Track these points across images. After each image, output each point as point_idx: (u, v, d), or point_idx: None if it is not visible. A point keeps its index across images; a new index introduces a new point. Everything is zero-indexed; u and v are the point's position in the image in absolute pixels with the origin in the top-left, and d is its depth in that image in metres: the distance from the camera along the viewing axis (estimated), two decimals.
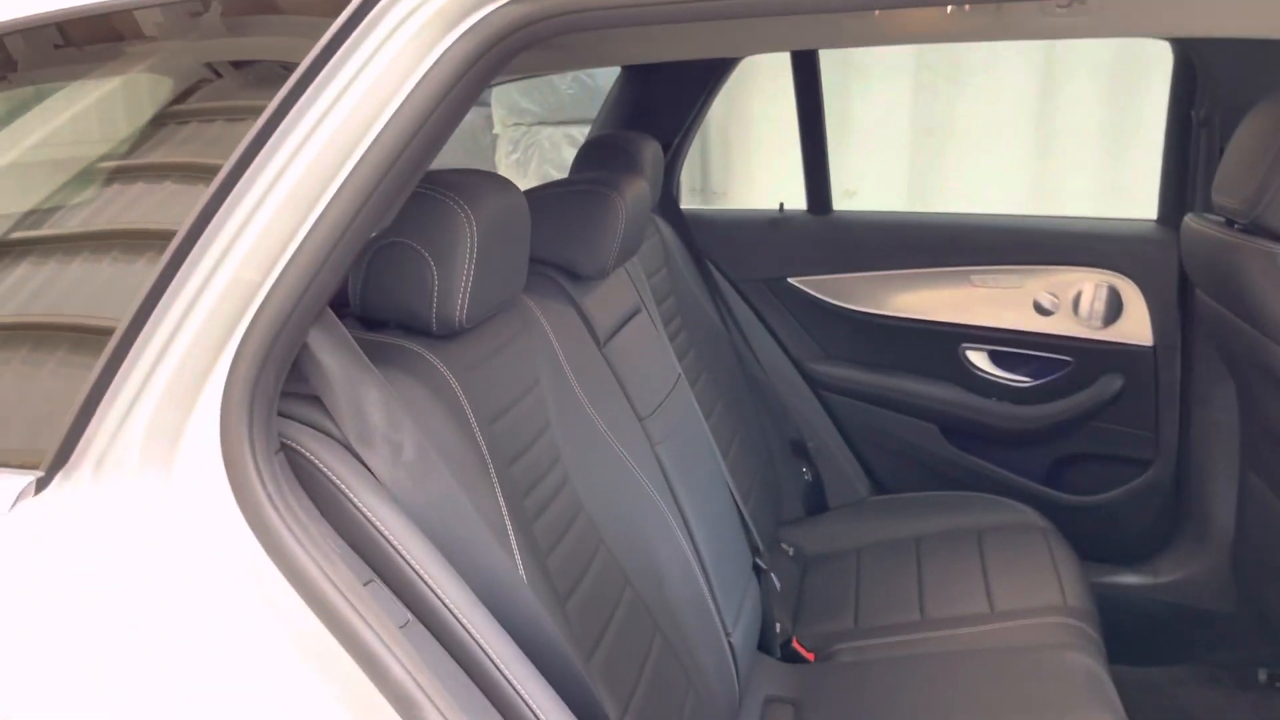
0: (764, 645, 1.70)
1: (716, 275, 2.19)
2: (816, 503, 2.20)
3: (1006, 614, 1.70)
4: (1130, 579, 2.19)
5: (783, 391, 2.18)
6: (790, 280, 2.24)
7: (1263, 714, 2.02)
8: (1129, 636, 2.10)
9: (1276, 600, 1.90)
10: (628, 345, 1.48)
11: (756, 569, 1.68)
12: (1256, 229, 1.52)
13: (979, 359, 2.19)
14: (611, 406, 1.35)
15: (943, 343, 2.19)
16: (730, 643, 1.43)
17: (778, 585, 1.71)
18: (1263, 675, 2.08)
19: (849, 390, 2.24)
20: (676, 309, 1.95)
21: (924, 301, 2.18)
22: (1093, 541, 2.19)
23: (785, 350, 2.26)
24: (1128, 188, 3.45)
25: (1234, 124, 1.64)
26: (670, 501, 1.39)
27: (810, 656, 1.72)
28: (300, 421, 0.87)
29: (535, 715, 0.82)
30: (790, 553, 2.08)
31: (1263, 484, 1.88)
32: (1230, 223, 1.62)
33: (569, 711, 0.87)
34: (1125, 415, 2.11)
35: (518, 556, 1.02)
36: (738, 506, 1.67)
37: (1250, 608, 2.06)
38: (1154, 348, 2.05)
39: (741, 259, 2.25)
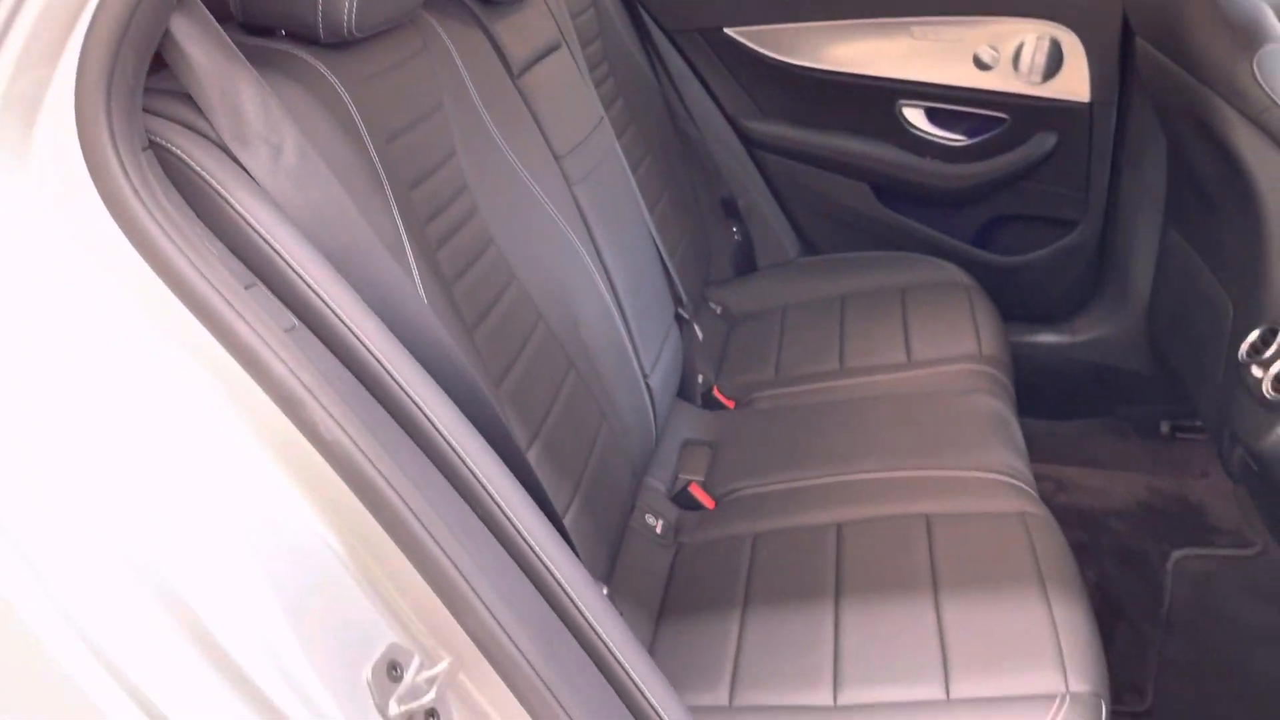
0: (684, 393, 1.72)
1: (649, 22, 2.09)
2: (746, 263, 2.20)
3: (923, 362, 1.73)
4: (1049, 337, 2.24)
5: (715, 149, 2.13)
6: (726, 31, 2.14)
7: (1161, 460, 2.13)
8: (1043, 392, 2.18)
9: (1183, 356, 1.96)
10: (545, 80, 1.41)
11: (679, 319, 1.68)
12: None
13: (915, 116, 2.14)
14: (524, 141, 1.30)
15: (880, 99, 2.13)
16: (648, 384, 1.45)
17: (699, 335, 1.72)
18: (1165, 427, 2.18)
19: (783, 148, 2.19)
20: (603, 55, 1.86)
21: (863, 55, 2.11)
22: (1017, 301, 2.23)
23: (719, 106, 2.19)
24: None
25: None
26: (587, 242, 1.37)
27: (730, 404, 1.75)
28: (169, 119, 0.81)
29: (428, 418, 0.81)
30: (718, 311, 2.09)
31: (1182, 239, 1.90)
32: None
33: (469, 423, 0.87)
34: (1056, 174, 2.10)
35: (417, 278, 0.99)
36: (662, 259, 1.65)
37: (1160, 365, 2.13)
38: (1090, 104, 2.02)
39: (675, 6, 2.14)
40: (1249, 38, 1.42)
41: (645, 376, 1.44)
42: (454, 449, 0.82)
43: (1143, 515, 1.80)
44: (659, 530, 1.41)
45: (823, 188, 2.22)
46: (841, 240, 2.27)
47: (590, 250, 1.37)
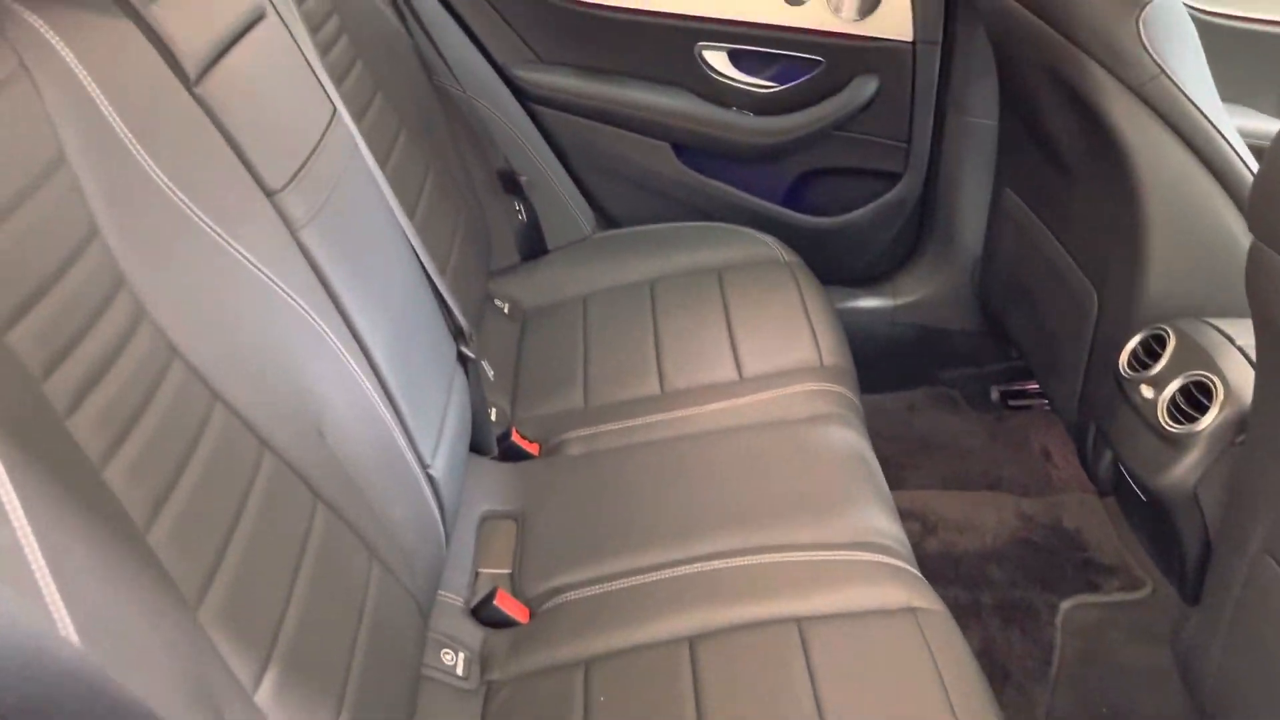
0: (478, 444, 1.38)
1: None
2: (534, 245, 1.84)
3: (758, 380, 1.46)
4: (872, 301, 2.03)
5: (484, 109, 1.73)
6: None
7: (995, 434, 1.98)
8: (867, 362, 1.97)
9: (1016, 319, 1.79)
10: (242, 77, 0.98)
11: (463, 360, 1.32)
12: None
13: (717, 60, 1.82)
14: (212, 182, 0.88)
15: (676, 41, 1.79)
16: (431, 478, 1.09)
17: (490, 373, 1.36)
18: (995, 394, 2.03)
19: (566, 103, 1.82)
20: (332, 5, 1.42)
21: None
22: (835, 264, 1.99)
23: (487, 55, 1.78)
24: None
25: None
26: (329, 310, 0.98)
27: (534, 450, 1.42)
28: None
29: None
30: (505, 310, 1.73)
31: (1017, 198, 1.70)
32: None
33: None
34: (876, 124, 1.85)
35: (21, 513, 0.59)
36: (432, 285, 1.27)
37: (989, 326, 1.96)
38: (913, 44, 1.76)
39: None
40: None
41: (426, 469, 1.09)
42: None
43: (1020, 557, 1.63)
44: (459, 670, 1.08)
45: (615, 148, 1.87)
46: (643, 210, 1.94)
47: (334, 320, 0.98)
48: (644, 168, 1.89)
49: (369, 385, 1.00)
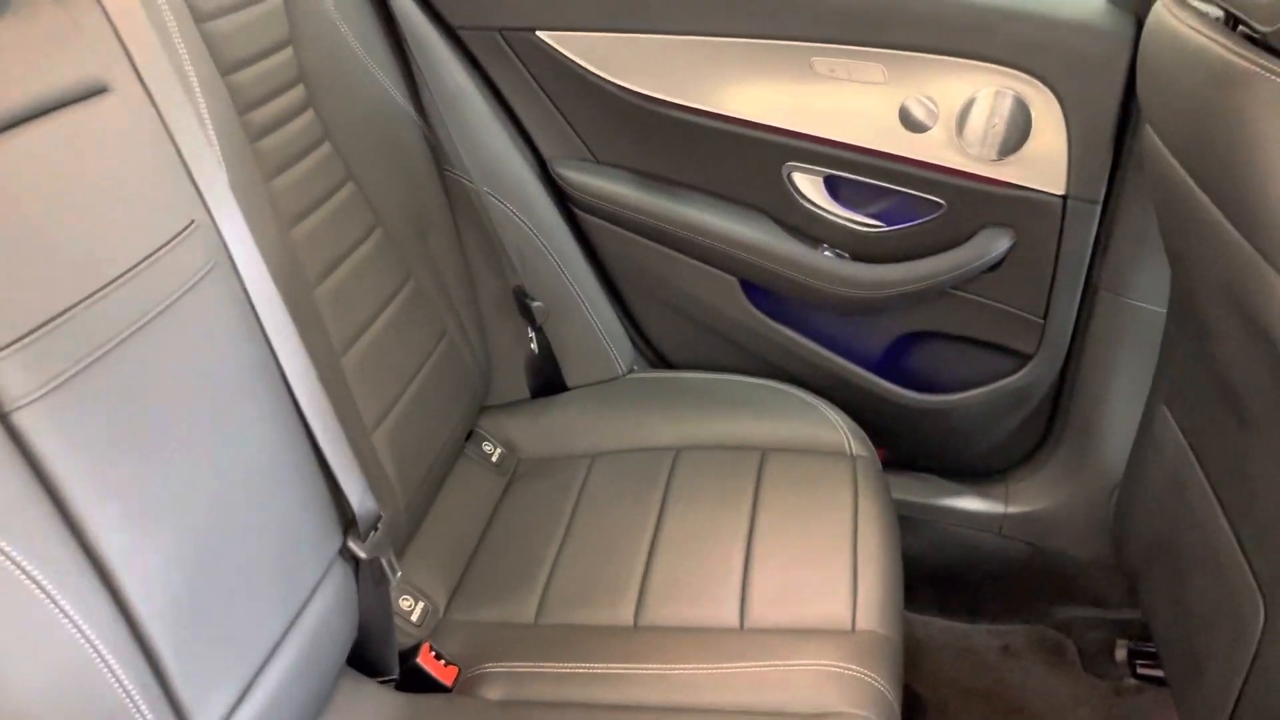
0: (371, 664, 1.05)
1: (413, 17, 1.35)
2: (550, 380, 1.51)
3: (761, 636, 1.07)
4: (976, 503, 1.60)
5: (507, 212, 1.42)
6: (541, 35, 1.42)
7: (1112, 711, 1.51)
8: (959, 580, 1.54)
9: (1153, 586, 1.33)
10: (16, 169, 0.70)
11: (353, 559, 0.99)
12: None
13: (809, 186, 1.46)
14: None
15: (760, 156, 1.44)
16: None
17: (394, 574, 1.03)
18: (1121, 652, 1.55)
19: (616, 214, 1.50)
20: (298, 73, 1.14)
21: (738, 89, 1.41)
22: (938, 452, 1.59)
23: (532, 145, 1.48)
24: None
25: None
26: (33, 523, 0.67)
27: (448, 679, 1.08)
28: None
29: None
30: (494, 456, 1.40)
31: (1175, 429, 1.25)
32: (1233, 22, 0.89)
33: None
34: (1006, 290, 1.44)
35: None
36: (321, 457, 0.95)
37: (1122, 564, 1.50)
38: (1065, 198, 1.35)
39: None
40: None
41: None
42: None
43: None
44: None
45: (671, 275, 1.53)
46: (696, 351, 1.59)
47: (43, 542, 0.67)
48: (704, 303, 1.54)
49: (95, 639, 0.68)
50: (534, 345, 1.44)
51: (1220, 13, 0.93)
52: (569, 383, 1.50)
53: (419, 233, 1.28)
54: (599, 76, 1.43)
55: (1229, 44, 0.84)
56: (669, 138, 1.46)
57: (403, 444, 1.18)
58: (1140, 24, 1.25)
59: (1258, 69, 0.79)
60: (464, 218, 1.39)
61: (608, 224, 1.51)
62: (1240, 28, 0.88)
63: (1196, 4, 0.99)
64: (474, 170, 1.37)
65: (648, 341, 1.61)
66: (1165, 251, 1.21)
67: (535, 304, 1.41)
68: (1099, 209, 1.35)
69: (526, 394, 1.48)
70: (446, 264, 1.33)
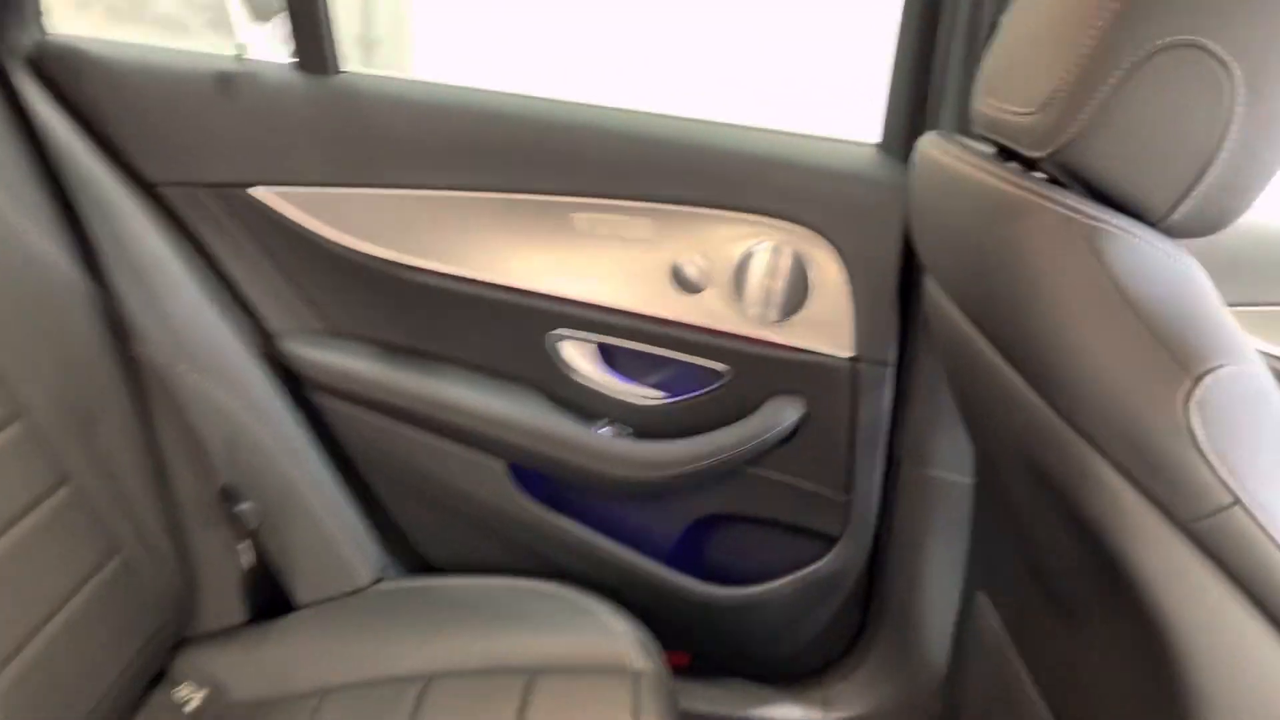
0: None
1: (92, 170, 1.14)
2: (271, 598, 1.24)
3: None
4: (792, 711, 1.39)
5: (214, 394, 1.17)
6: (255, 192, 1.22)
7: None
8: None
9: None
10: None
11: None
12: (1061, 170, 0.68)
13: (579, 356, 1.29)
14: None
15: (521, 323, 1.27)
16: None
17: None
18: None
19: (357, 394, 1.28)
20: None
21: (492, 250, 1.24)
22: (741, 654, 1.38)
23: (250, 315, 1.26)
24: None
25: None
26: None
27: None
28: None
29: None
30: (191, 705, 1.11)
31: (994, 615, 1.09)
32: (1006, 154, 0.78)
33: None
34: (804, 465, 1.29)
35: None
36: None
37: None
38: (855, 360, 1.22)
39: (165, 146, 1.21)
40: (1187, 360, 0.62)
41: None
42: None
43: None
44: None
45: (426, 463, 1.31)
46: (460, 550, 1.36)
47: None
48: (467, 493, 1.32)
49: None
50: (247, 557, 1.18)
51: (991, 148, 0.82)
52: (298, 600, 1.23)
53: (83, 423, 1.02)
54: (327, 239, 1.24)
55: (1004, 175, 0.72)
56: (415, 305, 1.27)
57: (37, 700, 0.89)
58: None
59: (1037, 198, 0.67)
60: (157, 404, 1.14)
61: (348, 406, 1.28)
62: (1012, 161, 0.76)
63: (966, 140, 0.89)
64: (170, 347, 1.13)
65: (402, 542, 1.37)
66: (960, 409, 1.08)
67: (244, 507, 1.16)
68: (892, 371, 1.23)
69: (241, 617, 1.20)
70: (124, 461, 1.07)
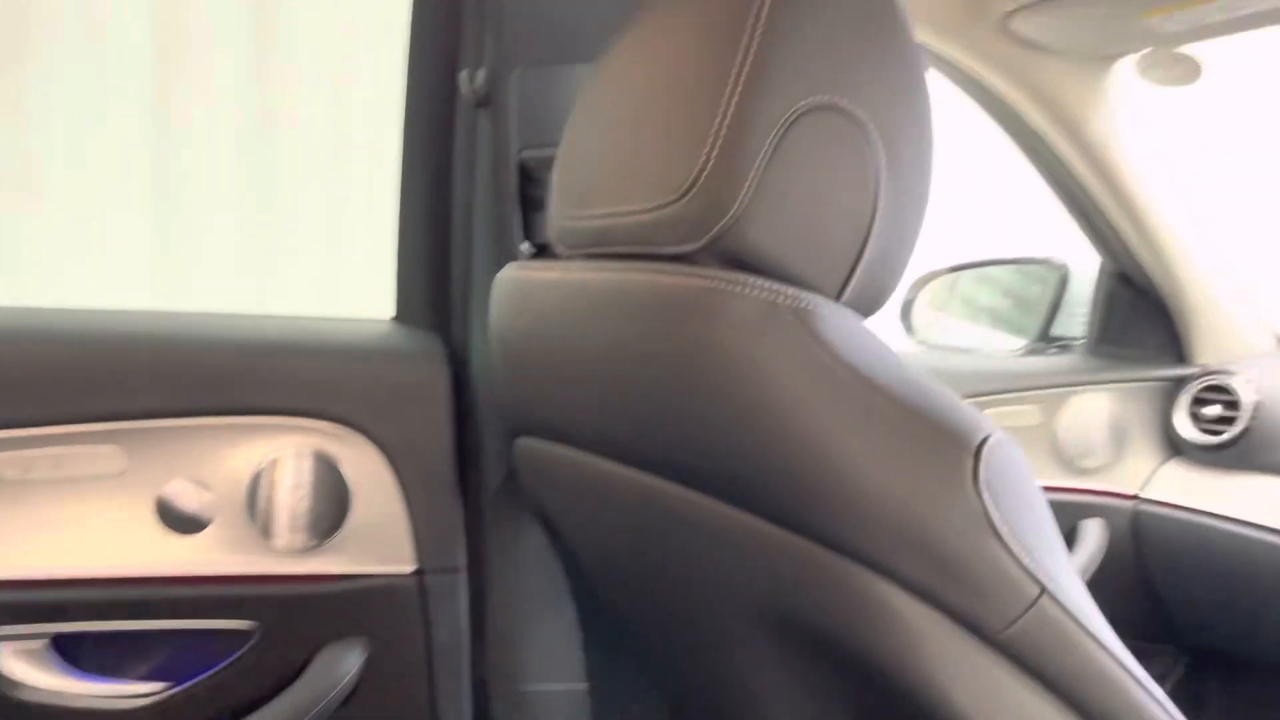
0: None
1: None
2: None
3: None
4: None
5: None
6: None
7: None
8: None
9: None
10: None
11: None
12: (721, 259, 0.58)
13: (23, 665, 0.88)
14: None
15: None
16: None
17: None
18: None
19: None
20: None
21: None
22: None
23: None
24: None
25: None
26: None
27: None
28: None
29: None
30: None
31: None
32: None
33: None
34: (376, 718, 1.00)
35: None
36: None
37: None
38: (419, 574, 0.99)
39: None
40: (959, 435, 0.54)
41: None
42: None
43: None
44: None
45: None
46: None
47: None
48: None
49: None
50: None
51: (603, 253, 0.70)
52: None
53: None
54: None
55: (673, 270, 0.60)
56: None
57: None
58: (449, 342, 1.00)
59: (728, 285, 0.56)
60: None
61: None
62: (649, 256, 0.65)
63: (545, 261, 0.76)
64: None
65: None
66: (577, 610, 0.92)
67: None
68: (463, 578, 1.02)
69: None
70: None
